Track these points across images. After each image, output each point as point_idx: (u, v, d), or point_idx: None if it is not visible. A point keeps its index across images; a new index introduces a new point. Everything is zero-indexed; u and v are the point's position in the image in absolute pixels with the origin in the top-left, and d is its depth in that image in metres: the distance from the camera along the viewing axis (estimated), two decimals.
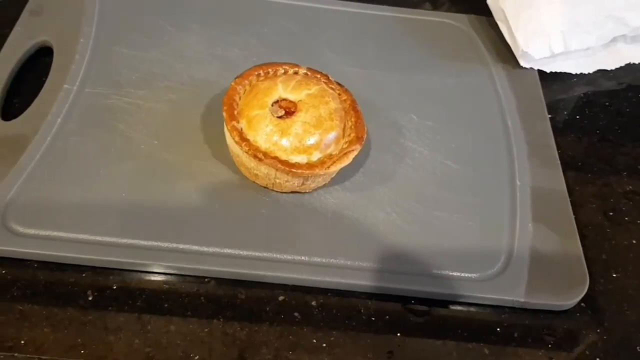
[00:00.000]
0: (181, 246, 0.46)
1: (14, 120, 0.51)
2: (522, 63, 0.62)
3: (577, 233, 0.50)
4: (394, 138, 0.55)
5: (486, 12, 0.66)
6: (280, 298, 0.46)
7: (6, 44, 0.56)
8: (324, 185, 0.50)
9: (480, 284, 0.46)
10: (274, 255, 0.46)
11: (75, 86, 0.54)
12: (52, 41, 0.57)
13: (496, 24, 0.65)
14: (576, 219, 0.52)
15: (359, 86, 0.54)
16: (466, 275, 0.47)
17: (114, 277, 0.45)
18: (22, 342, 0.41)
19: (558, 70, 0.63)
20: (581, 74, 0.64)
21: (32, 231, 0.45)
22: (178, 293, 0.45)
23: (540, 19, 0.60)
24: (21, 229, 0.45)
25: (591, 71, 0.64)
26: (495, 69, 0.62)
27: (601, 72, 0.65)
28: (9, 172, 0.48)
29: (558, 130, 0.59)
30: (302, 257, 0.46)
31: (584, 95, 0.64)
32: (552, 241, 0.49)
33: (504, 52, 0.64)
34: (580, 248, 0.49)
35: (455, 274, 0.47)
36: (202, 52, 0.59)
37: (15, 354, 0.41)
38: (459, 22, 0.66)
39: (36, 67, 0.57)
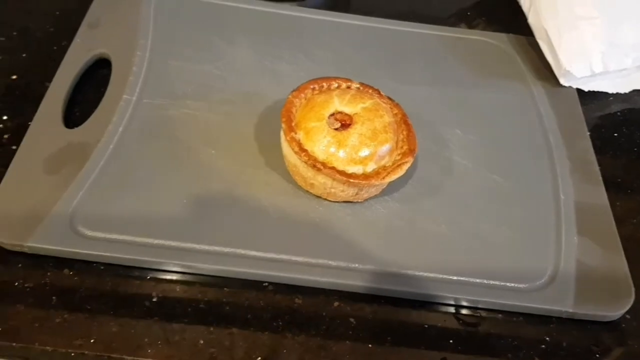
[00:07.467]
0: (239, 251, 0.47)
1: (76, 129, 0.53)
2: (563, 82, 0.63)
3: (621, 246, 0.52)
4: (440, 152, 0.57)
5: (520, 31, 0.68)
6: (335, 304, 0.47)
7: (66, 55, 0.58)
8: (375, 196, 0.52)
9: (529, 294, 0.48)
10: (329, 262, 0.48)
11: (134, 97, 0.56)
12: (110, 53, 0.59)
13: (533, 43, 0.66)
14: (618, 234, 0.53)
15: (404, 101, 0.55)
16: (515, 285, 0.48)
17: (176, 279, 0.47)
18: (92, 340, 0.43)
19: (596, 90, 0.65)
20: (617, 93, 0.66)
21: (98, 234, 0.47)
22: (237, 296, 0.46)
23: (582, 39, 0.62)
24: (88, 232, 0.47)
25: (627, 91, 0.66)
26: (535, 87, 0.64)
27: (637, 92, 0.67)
28: (75, 178, 0.49)
29: (596, 147, 0.60)
30: (356, 265, 0.48)
31: (620, 113, 0.65)
32: (598, 254, 0.51)
33: (543, 71, 0.65)
34: (625, 260, 0.51)
35: (505, 284, 0.48)
36: (252, 66, 0.61)
37: (86, 352, 0.42)
38: (498, 41, 0.68)
39: (93, 79, 0.59)
